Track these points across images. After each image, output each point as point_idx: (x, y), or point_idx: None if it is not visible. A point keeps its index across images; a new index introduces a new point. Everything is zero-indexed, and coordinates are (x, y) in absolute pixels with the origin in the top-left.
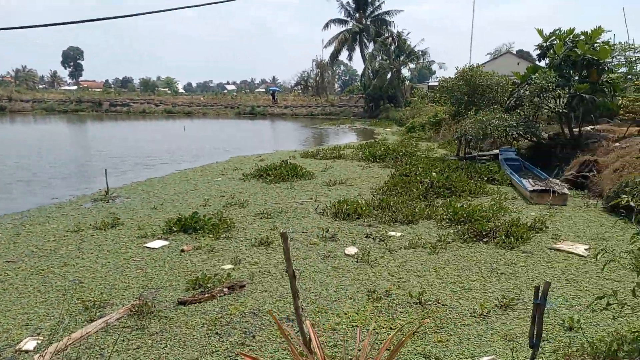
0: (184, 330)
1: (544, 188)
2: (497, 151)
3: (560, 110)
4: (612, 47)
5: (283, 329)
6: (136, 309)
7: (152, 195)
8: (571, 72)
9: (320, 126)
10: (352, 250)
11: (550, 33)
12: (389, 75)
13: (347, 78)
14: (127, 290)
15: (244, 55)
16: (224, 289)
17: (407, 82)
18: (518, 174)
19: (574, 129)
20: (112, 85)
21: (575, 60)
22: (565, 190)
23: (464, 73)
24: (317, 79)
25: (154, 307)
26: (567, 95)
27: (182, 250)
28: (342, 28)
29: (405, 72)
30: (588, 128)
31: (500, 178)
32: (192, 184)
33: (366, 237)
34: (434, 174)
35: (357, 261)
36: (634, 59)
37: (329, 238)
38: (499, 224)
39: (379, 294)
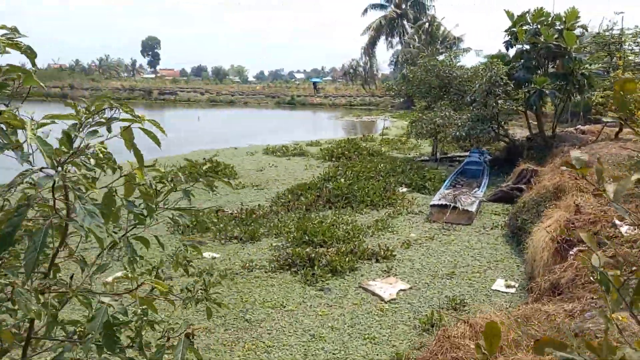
0: None
1: (444, 203)
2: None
3: (514, 107)
4: (584, 33)
5: None
6: None
7: None
8: (536, 62)
9: (343, 117)
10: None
11: (519, 15)
12: None
13: None
14: None
15: (319, 44)
16: None
17: None
18: (471, 181)
19: (545, 129)
20: (187, 74)
21: (540, 49)
22: (471, 207)
23: (424, 64)
24: (366, 67)
25: None
26: (526, 90)
27: None
28: (381, 14)
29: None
30: (572, 128)
31: (433, 186)
32: None
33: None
34: (342, 180)
35: None
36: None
37: None
38: (336, 249)
39: None
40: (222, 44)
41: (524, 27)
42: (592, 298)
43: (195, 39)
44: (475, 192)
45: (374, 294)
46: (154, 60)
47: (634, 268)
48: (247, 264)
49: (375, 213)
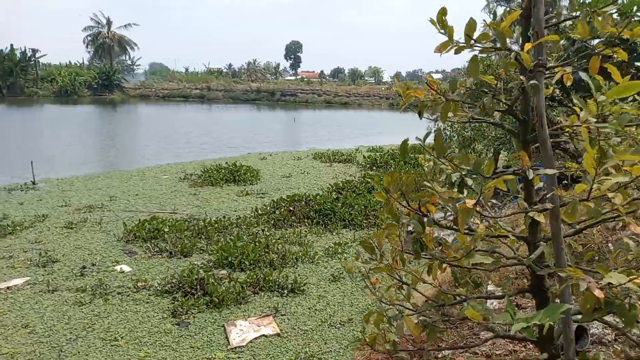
0: None
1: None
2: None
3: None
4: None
5: None
6: None
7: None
8: None
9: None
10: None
11: None
12: None
13: None
14: None
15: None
16: None
17: None
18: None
19: None
20: (325, 76)
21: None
22: (449, 237)
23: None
24: None
25: None
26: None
27: None
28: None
29: None
30: None
31: None
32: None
33: (82, 268)
34: (333, 194)
35: None
36: None
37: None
38: (229, 278)
39: None
40: (370, 45)
41: None
42: None
43: (335, 44)
44: None
45: (227, 336)
46: (296, 63)
47: None
48: (137, 284)
49: (349, 234)
